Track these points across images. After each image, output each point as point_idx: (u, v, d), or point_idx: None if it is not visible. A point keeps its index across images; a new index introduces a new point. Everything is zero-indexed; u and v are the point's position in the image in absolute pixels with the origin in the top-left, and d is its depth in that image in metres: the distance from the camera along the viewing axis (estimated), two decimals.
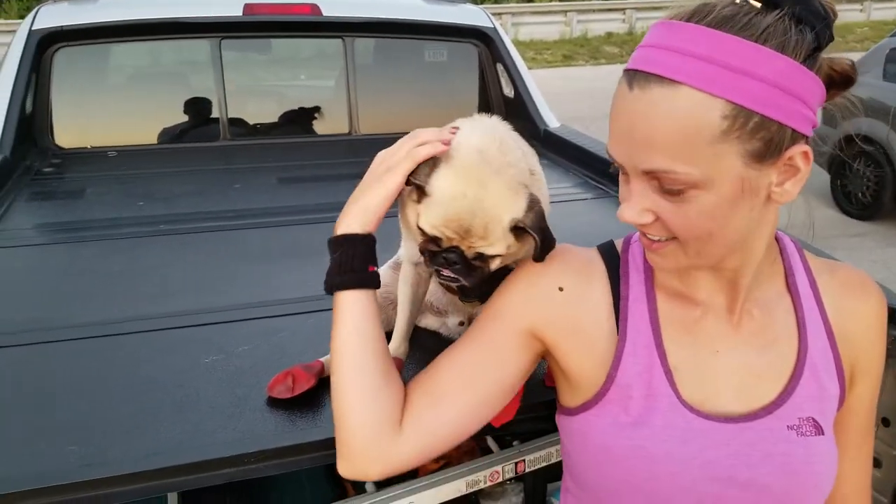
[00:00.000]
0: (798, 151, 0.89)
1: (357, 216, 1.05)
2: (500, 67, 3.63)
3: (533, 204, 1.07)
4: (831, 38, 0.89)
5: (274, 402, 1.32)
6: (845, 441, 1.11)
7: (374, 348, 1.04)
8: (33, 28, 3.11)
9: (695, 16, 0.87)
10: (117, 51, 3.48)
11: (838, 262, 1.16)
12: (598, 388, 1.05)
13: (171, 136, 3.38)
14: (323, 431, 1.23)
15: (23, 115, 2.97)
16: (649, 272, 1.08)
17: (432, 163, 1.04)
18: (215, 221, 2.38)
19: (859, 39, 20.07)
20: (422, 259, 1.25)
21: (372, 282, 1.06)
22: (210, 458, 1.16)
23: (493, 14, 3.75)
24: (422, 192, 1.06)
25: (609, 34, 20.52)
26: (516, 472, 1.47)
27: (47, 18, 3.16)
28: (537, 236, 1.05)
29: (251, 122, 3.52)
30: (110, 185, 2.79)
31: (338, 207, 1.08)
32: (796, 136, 0.89)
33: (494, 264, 1.11)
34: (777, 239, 1.10)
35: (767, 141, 0.87)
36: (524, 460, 1.47)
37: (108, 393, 1.37)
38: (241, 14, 3.24)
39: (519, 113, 3.44)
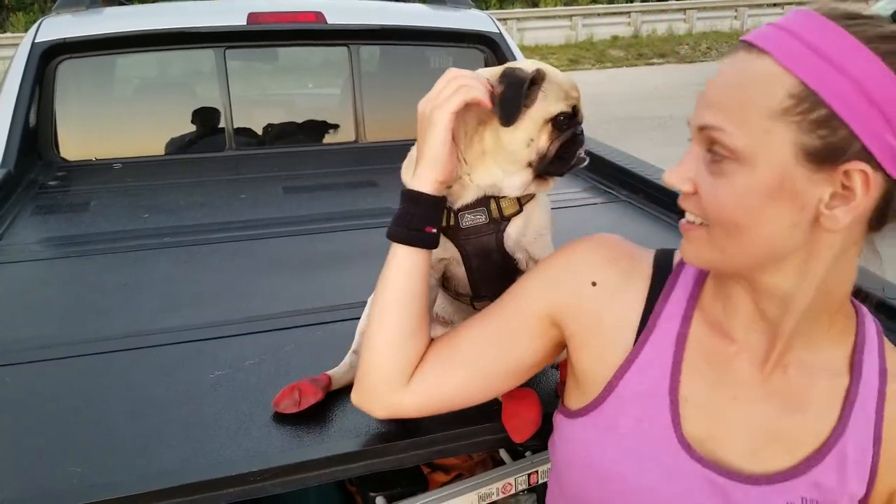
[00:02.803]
0: (857, 168, 0.80)
1: (425, 169, 1.08)
2: None
3: None
4: None
5: (280, 418, 1.30)
6: None
7: (412, 305, 1.09)
8: (36, 41, 3.10)
9: (830, 11, 0.83)
10: (121, 62, 3.47)
11: None
12: (597, 394, 1.02)
13: (176, 146, 3.36)
14: (330, 447, 1.22)
15: (27, 128, 2.96)
16: (696, 292, 1.02)
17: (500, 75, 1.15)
18: (221, 233, 2.36)
19: None
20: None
21: (425, 242, 1.09)
22: (215, 478, 1.14)
23: (499, 19, 3.73)
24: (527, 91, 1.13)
25: (615, 37, 20.47)
26: (529, 484, 1.44)
27: (50, 31, 3.15)
28: None
29: (257, 131, 3.50)
30: (115, 197, 2.77)
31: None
32: (864, 156, 0.80)
33: None
34: (855, 308, 1.00)
35: (828, 143, 0.80)
36: (537, 471, 1.44)
37: (113, 411, 1.35)
38: (245, 23, 3.23)
39: None
